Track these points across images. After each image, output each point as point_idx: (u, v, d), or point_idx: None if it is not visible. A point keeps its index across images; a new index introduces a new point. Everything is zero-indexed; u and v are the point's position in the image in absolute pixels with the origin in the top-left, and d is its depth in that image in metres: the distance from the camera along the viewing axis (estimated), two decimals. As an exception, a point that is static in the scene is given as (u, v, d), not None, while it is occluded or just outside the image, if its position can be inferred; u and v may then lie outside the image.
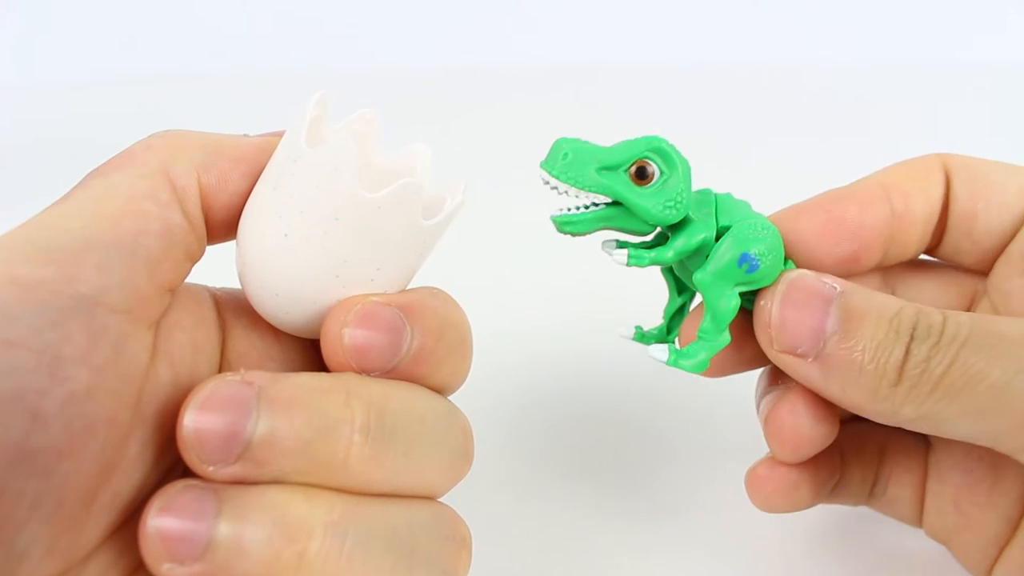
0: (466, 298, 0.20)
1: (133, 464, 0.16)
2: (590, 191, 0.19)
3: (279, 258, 0.18)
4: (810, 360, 0.19)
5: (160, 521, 0.16)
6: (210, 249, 0.19)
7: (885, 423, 0.19)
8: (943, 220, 0.21)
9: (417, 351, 0.18)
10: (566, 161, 0.19)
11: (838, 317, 0.18)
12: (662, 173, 0.19)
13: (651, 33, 0.66)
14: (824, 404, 0.20)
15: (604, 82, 0.63)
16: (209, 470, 0.16)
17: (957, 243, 0.21)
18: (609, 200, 0.19)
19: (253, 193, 0.18)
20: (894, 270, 0.23)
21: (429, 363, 0.18)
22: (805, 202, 0.21)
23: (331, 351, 0.18)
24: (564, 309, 0.37)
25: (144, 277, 0.16)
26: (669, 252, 0.20)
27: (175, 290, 0.18)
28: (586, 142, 0.19)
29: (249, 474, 0.16)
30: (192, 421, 0.16)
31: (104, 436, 0.15)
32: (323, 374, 0.18)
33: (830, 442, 0.21)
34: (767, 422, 0.21)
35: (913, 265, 0.23)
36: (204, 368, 0.18)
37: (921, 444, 0.23)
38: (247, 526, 0.16)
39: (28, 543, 0.14)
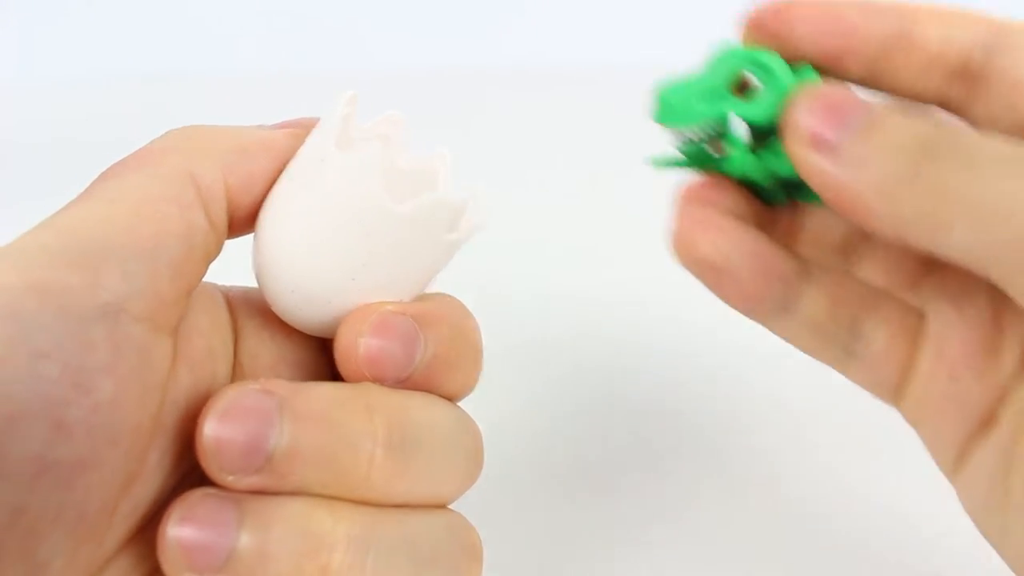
0: (470, 299, 0.20)
1: (153, 471, 0.16)
2: (705, 122, 0.19)
3: (297, 255, 0.18)
4: (828, 153, 0.17)
5: (180, 531, 0.15)
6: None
7: (884, 236, 0.18)
8: (974, 78, 0.19)
9: (431, 360, 0.18)
10: (673, 108, 0.19)
11: (867, 110, 0.17)
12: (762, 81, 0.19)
13: (654, 34, 0.66)
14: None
15: (617, 82, 0.63)
16: (229, 479, 0.16)
17: (997, 114, 0.19)
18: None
19: (276, 186, 0.18)
20: None
21: (442, 372, 0.18)
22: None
23: (345, 360, 0.18)
24: (569, 312, 0.37)
25: (166, 283, 0.16)
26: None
27: (193, 292, 0.18)
28: (681, 80, 0.19)
29: (270, 485, 0.16)
30: (213, 430, 0.16)
31: (127, 446, 0.15)
32: (343, 385, 0.17)
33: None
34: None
35: None
36: (222, 372, 0.18)
37: (915, 304, 0.21)
38: (270, 538, 0.15)
39: (50, 554, 0.14)
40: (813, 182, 0.17)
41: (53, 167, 0.52)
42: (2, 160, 0.54)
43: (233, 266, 0.19)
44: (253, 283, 0.19)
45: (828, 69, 0.19)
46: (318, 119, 0.19)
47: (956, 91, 0.19)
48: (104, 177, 0.17)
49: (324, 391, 0.17)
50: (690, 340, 0.35)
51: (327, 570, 0.16)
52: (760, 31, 0.19)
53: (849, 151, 0.17)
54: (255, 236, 0.19)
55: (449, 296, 0.19)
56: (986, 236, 0.16)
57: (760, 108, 0.18)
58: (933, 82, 0.19)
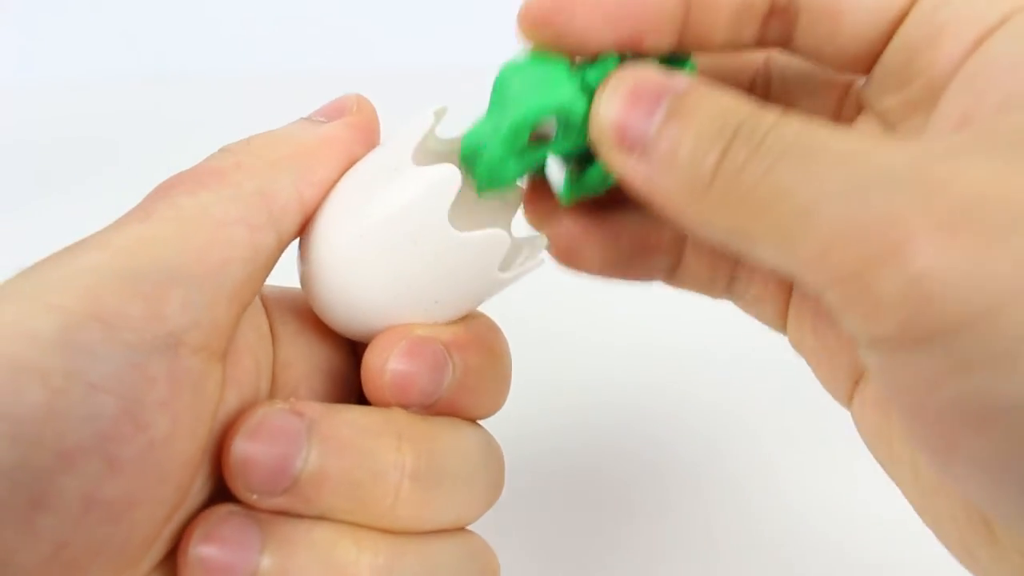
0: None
1: (195, 497, 0.16)
2: (530, 170, 0.18)
3: (345, 257, 0.17)
4: (635, 157, 0.15)
5: (203, 550, 0.15)
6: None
7: (705, 238, 0.16)
8: (790, 10, 0.17)
9: (458, 386, 0.17)
10: (489, 177, 0.18)
11: (668, 107, 0.15)
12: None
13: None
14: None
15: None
16: (254, 498, 0.16)
17: (817, 44, 0.17)
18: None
19: (339, 187, 0.18)
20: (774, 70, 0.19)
21: (469, 396, 0.18)
22: None
23: (372, 384, 0.17)
24: (569, 312, 0.37)
25: (224, 310, 0.16)
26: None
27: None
28: (485, 148, 0.18)
29: (294, 507, 0.16)
30: (241, 450, 0.16)
31: (177, 482, 0.15)
32: (372, 410, 0.17)
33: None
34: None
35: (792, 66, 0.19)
36: (264, 387, 0.18)
37: None
38: (293, 563, 0.15)
39: None
40: (629, 187, 0.16)
41: (53, 167, 0.52)
42: (2, 160, 0.54)
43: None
44: (284, 281, 0.19)
45: (632, 51, 0.17)
46: (355, 102, 0.19)
47: (775, 30, 0.18)
48: (163, 194, 0.16)
49: (354, 416, 0.17)
50: (691, 342, 0.35)
51: None
52: (541, 29, 0.17)
53: (656, 146, 0.15)
54: (307, 234, 0.18)
55: (483, 316, 0.19)
56: (789, 251, 0.13)
57: (569, 138, 0.17)
58: (749, 29, 0.17)
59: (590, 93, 0.16)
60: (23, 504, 0.13)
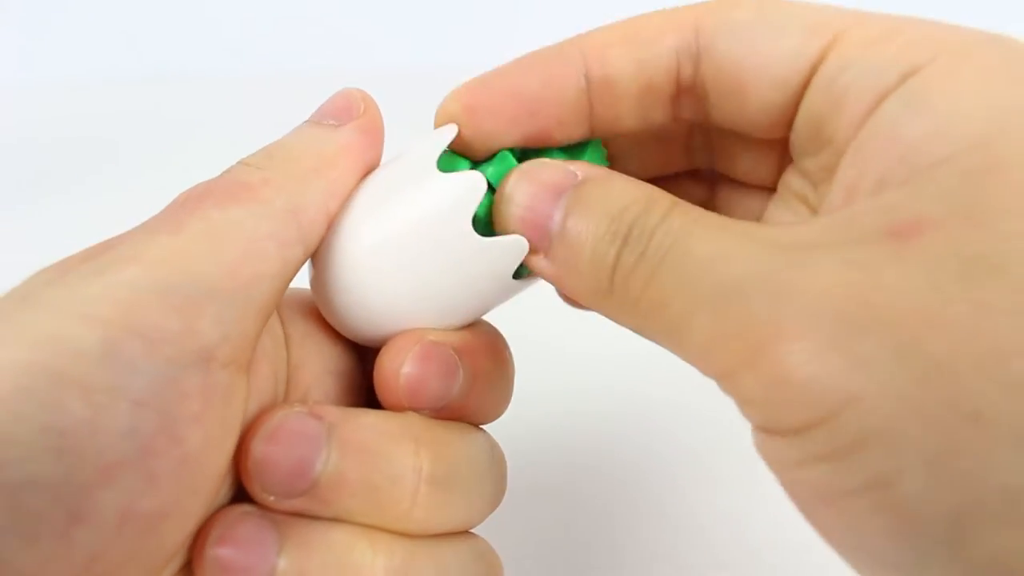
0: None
1: (220, 505, 0.16)
2: None
3: (365, 264, 0.17)
4: (542, 256, 0.16)
5: (221, 551, 0.15)
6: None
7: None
8: (696, 88, 0.17)
9: (467, 390, 0.18)
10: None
11: (566, 207, 0.15)
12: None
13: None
14: None
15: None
16: (271, 499, 0.16)
17: (730, 118, 0.17)
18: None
19: (359, 192, 0.18)
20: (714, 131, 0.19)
21: (476, 400, 0.18)
22: (492, 73, 0.18)
23: (386, 387, 0.17)
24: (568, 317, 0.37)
25: (252, 324, 0.16)
26: None
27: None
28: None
29: (311, 509, 0.16)
30: (260, 452, 0.16)
31: (206, 494, 0.15)
32: (389, 414, 0.17)
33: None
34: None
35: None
36: (280, 392, 0.18)
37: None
38: (310, 565, 0.15)
39: None
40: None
41: (53, 167, 0.52)
42: (2, 160, 0.54)
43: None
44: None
45: (542, 145, 0.18)
46: (361, 101, 0.19)
47: (688, 108, 0.18)
48: (193, 207, 0.16)
49: (372, 421, 0.17)
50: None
51: None
52: (463, 127, 0.18)
53: (557, 251, 0.16)
54: (321, 242, 0.18)
55: (488, 324, 0.19)
56: (679, 350, 0.14)
57: (484, 230, 0.17)
58: (658, 111, 0.18)
59: (491, 190, 0.17)
60: (62, 518, 0.13)
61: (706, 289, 0.13)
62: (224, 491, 0.16)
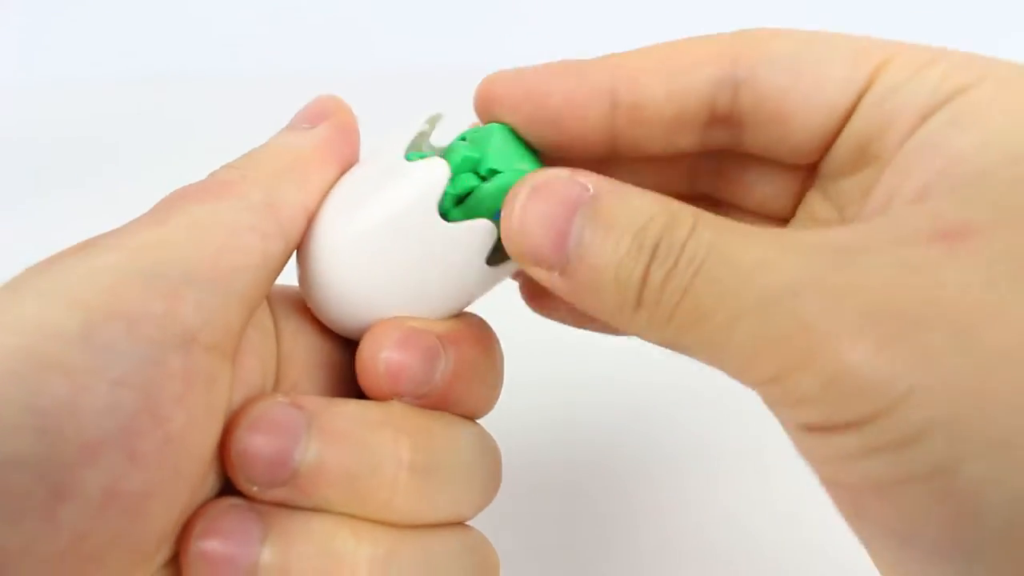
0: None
1: (207, 494, 0.16)
2: None
3: (342, 257, 0.18)
4: (557, 274, 0.16)
5: (205, 544, 0.16)
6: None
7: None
8: (732, 117, 0.18)
9: (451, 377, 0.18)
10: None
11: (583, 225, 0.15)
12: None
13: (653, 35, 0.66)
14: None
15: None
16: (254, 490, 0.16)
17: (768, 146, 0.18)
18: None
19: (335, 188, 0.18)
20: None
21: (462, 389, 0.18)
22: (521, 71, 0.18)
23: (366, 374, 0.18)
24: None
25: (235, 312, 0.16)
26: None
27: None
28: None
29: (293, 499, 0.16)
30: (242, 442, 0.16)
31: (191, 476, 0.15)
32: (370, 404, 0.18)
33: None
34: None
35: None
36: (268, 385, 0.18)
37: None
38: (293, 555, 0.16)
39: None
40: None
41: (53, 167, 0.53)
42: (2, 160, 0.54)
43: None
44: (285, 279, 0.19)
45: (571, 151, 0.18)
46: (334, 103, 0.19)
47: (719, 137, 0.18)
48: (174, 203, 0.16)
49: (352, 409, 0.17)
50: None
51: None
52: (480, 114, 0.18)
53: (576, 268, 0.15)
54: (304, 238, 0.18)
55: (476, 316, 0.19)
56: (718, 361, 0.14)
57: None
58: (688, 138, 0.18)
59: (456, 176, 0.17)
60: (46, 495, 0.13)
61: (751, 297, 0.13)
62: (212, 483, 0.16)
